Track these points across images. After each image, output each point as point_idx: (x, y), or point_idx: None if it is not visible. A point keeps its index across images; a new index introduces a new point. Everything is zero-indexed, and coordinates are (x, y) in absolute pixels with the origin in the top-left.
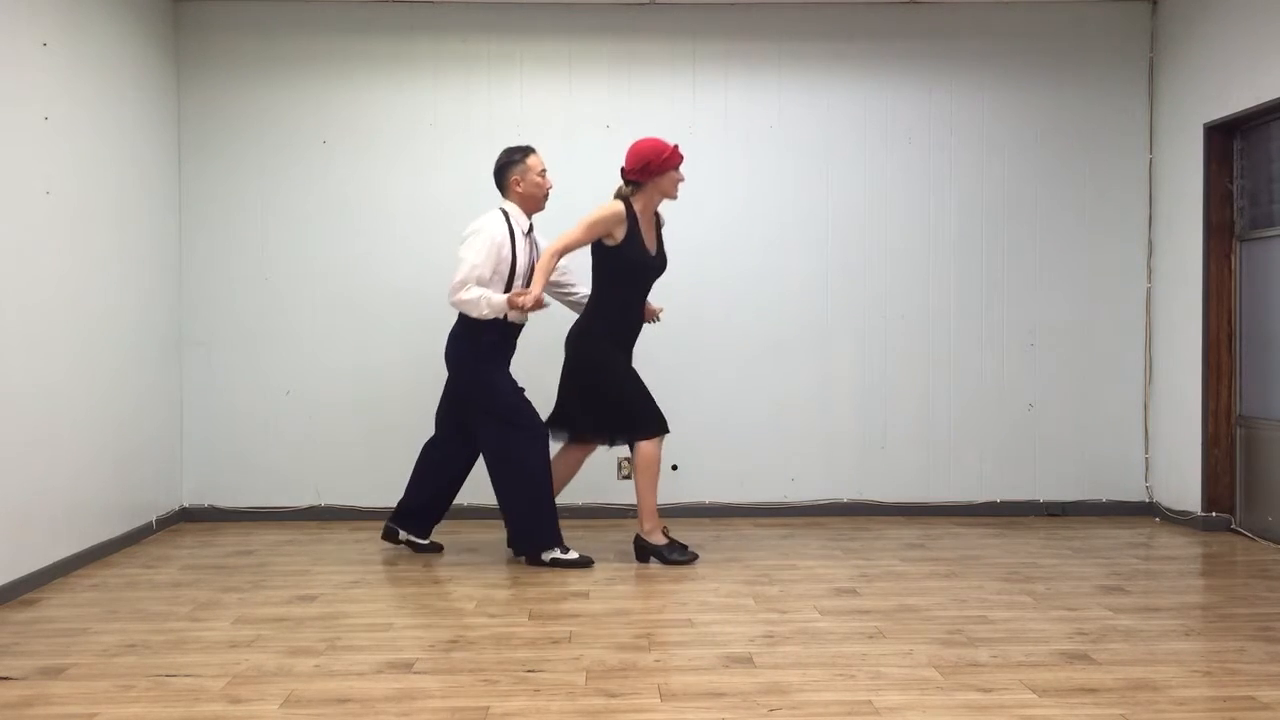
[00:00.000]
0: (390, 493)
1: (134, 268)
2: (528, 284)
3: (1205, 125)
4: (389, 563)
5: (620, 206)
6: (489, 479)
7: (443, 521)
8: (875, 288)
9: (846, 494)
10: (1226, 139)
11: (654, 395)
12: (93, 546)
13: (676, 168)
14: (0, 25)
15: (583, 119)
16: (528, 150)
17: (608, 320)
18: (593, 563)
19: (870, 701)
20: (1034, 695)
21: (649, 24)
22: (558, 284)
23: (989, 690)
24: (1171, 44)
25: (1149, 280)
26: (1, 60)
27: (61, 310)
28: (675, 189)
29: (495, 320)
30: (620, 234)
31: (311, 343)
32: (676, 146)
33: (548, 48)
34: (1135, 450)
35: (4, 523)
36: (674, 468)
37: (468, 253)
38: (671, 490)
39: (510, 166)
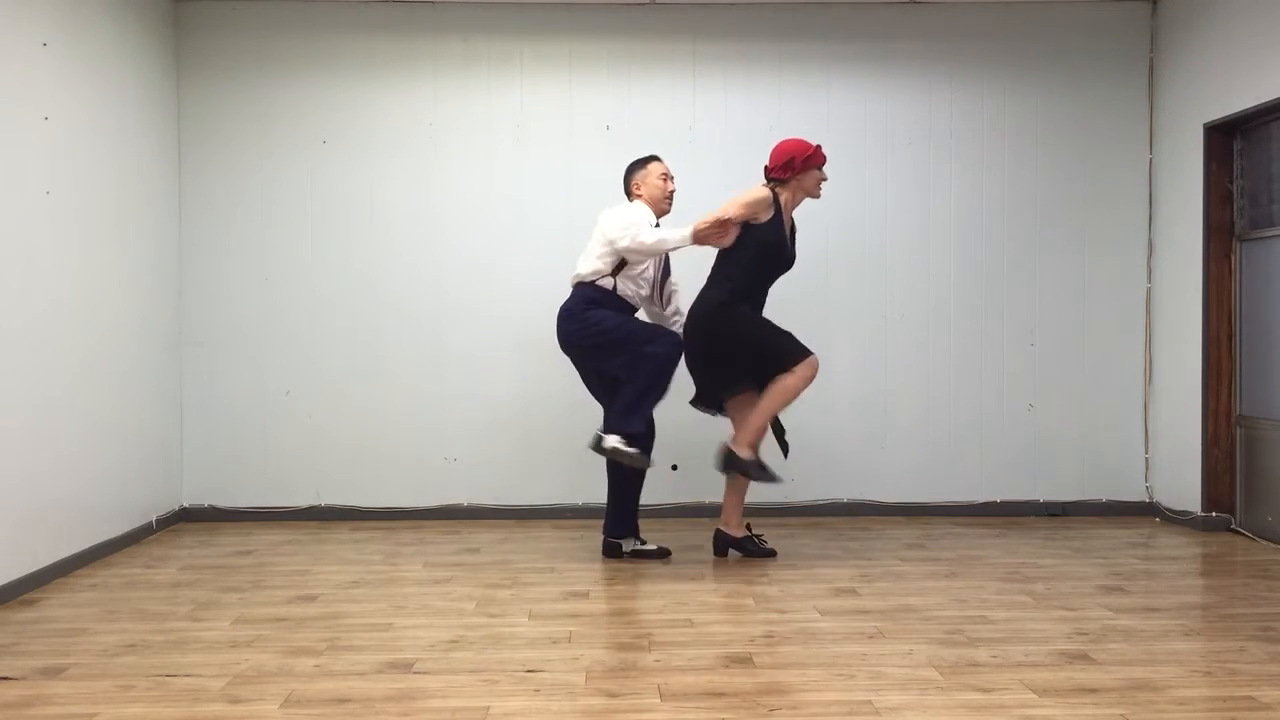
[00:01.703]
0: (390, 493)
1: (134, 268)
2: (654, 285)
3: (1205, 125)
4: (389, 563)
5: (769, 191)
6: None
7: (444, 522)
8: (875, 287)
9: (846, 494)
10: (1226, 139)
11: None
12: (93, 546)
13: (820, 166)
14: (0, 25)
15: (583, 119)
16: (650, 158)
17: (734, 297)
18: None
19: (870, 701)
20: (1034, 695)
21: (649, 24)
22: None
23: (989, 690)
24: (1171, 44)
25: (1149, 280)
26: (1, 60)
27: (61, 310)
28: (818, 188)
29: (616, 296)
30: (765, 218)
31: (311, 342)
32: (819, 146)
33: (548, 48)
34: (1135, 450)
35: (4, 523)
36: (674, 468)
37: (626, 214)
38: (672, 490)
39: (632, 174)
